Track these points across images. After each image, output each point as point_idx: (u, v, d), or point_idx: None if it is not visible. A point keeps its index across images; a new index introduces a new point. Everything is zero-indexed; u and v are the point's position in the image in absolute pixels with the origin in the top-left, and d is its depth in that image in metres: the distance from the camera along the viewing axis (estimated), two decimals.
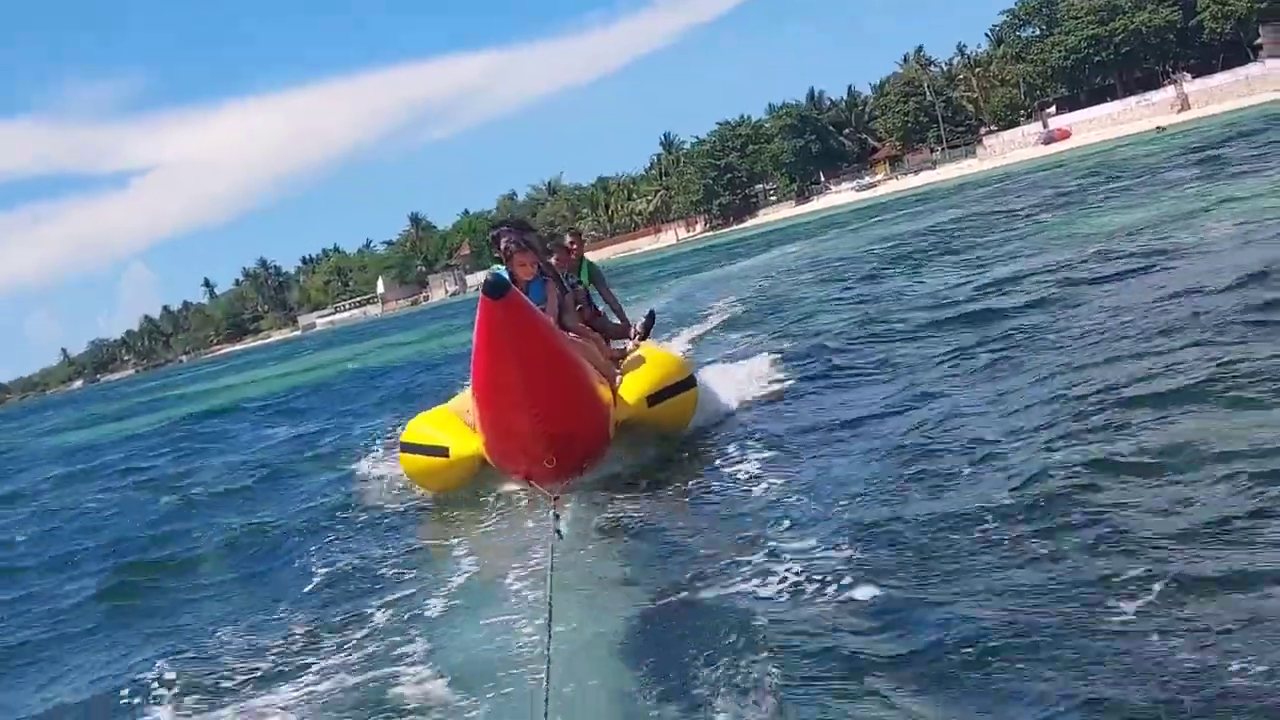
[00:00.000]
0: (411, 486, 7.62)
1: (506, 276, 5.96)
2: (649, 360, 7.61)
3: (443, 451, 7.15)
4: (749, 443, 6.94)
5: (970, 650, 3.42)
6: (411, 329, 52.16)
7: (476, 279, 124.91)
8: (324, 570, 6.21)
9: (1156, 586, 3.53)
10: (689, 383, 7.46)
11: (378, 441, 10.83)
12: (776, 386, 8.74)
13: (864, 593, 4.03)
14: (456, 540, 6.21)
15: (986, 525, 4.42)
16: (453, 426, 7.33)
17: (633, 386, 7.21)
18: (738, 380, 8.88)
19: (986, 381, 7.21)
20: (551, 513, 5.51)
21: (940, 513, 4.69)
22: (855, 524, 4.83)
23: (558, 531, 5.26)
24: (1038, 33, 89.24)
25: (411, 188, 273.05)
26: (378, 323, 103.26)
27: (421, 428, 7.57)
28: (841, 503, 5.25)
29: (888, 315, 11.79)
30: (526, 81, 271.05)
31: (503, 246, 7.32)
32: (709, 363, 10.11)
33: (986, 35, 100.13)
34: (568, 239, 8.84)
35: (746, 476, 6.18)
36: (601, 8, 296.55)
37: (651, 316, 8.94)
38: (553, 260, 8.17)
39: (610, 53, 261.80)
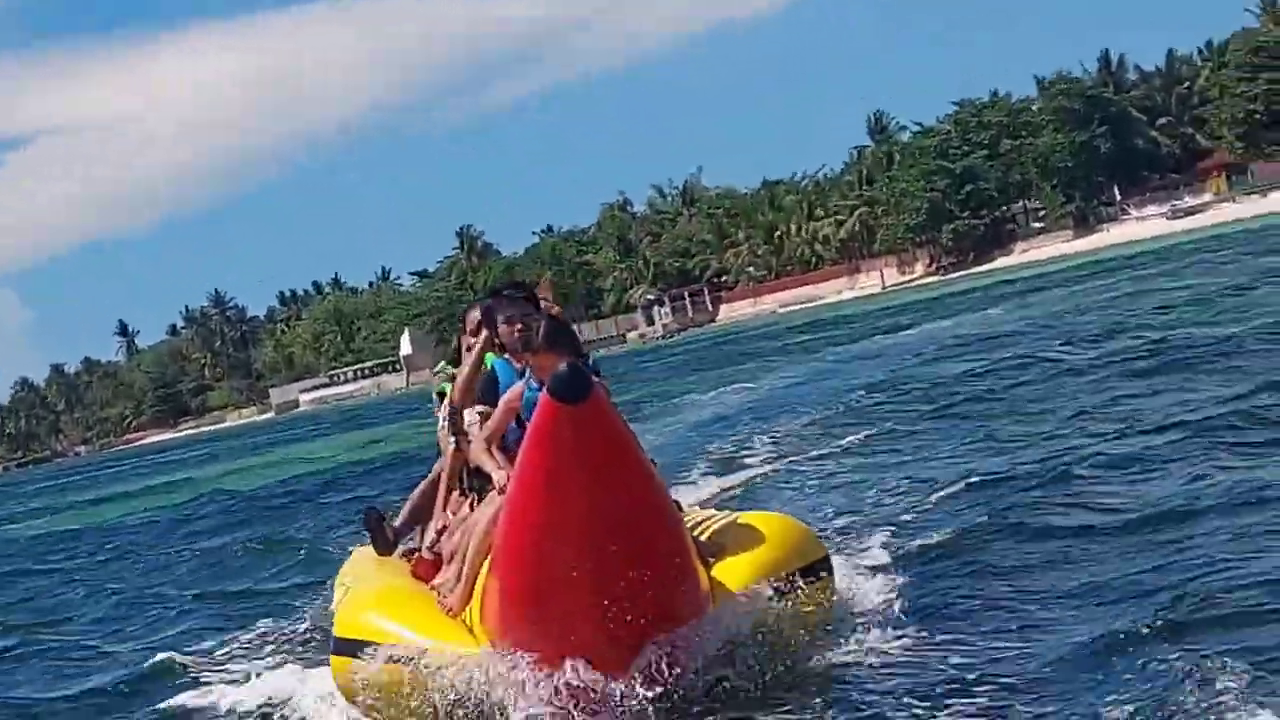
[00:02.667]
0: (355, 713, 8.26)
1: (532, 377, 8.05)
2: (745, 524, 8.80)
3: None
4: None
5: None
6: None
7: None
8: None
9: None
10: (822, 565, 8.63)
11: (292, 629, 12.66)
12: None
13: None
14: None
15: None
16: (421, 609, 8.52)
17: (734, 565, 8.21)
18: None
19: None
20: None
21: None
22: None
23: None
24: None
25: (459, 189, 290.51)
26: (397, 400, 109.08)
27: (368, 617, 8.71)
28: None
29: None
30: (643, 18, 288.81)
31: (517, 330, 8.79)
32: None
33: None
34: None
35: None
36: None
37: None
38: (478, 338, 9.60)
39: None
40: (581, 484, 6.92)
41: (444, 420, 10.36)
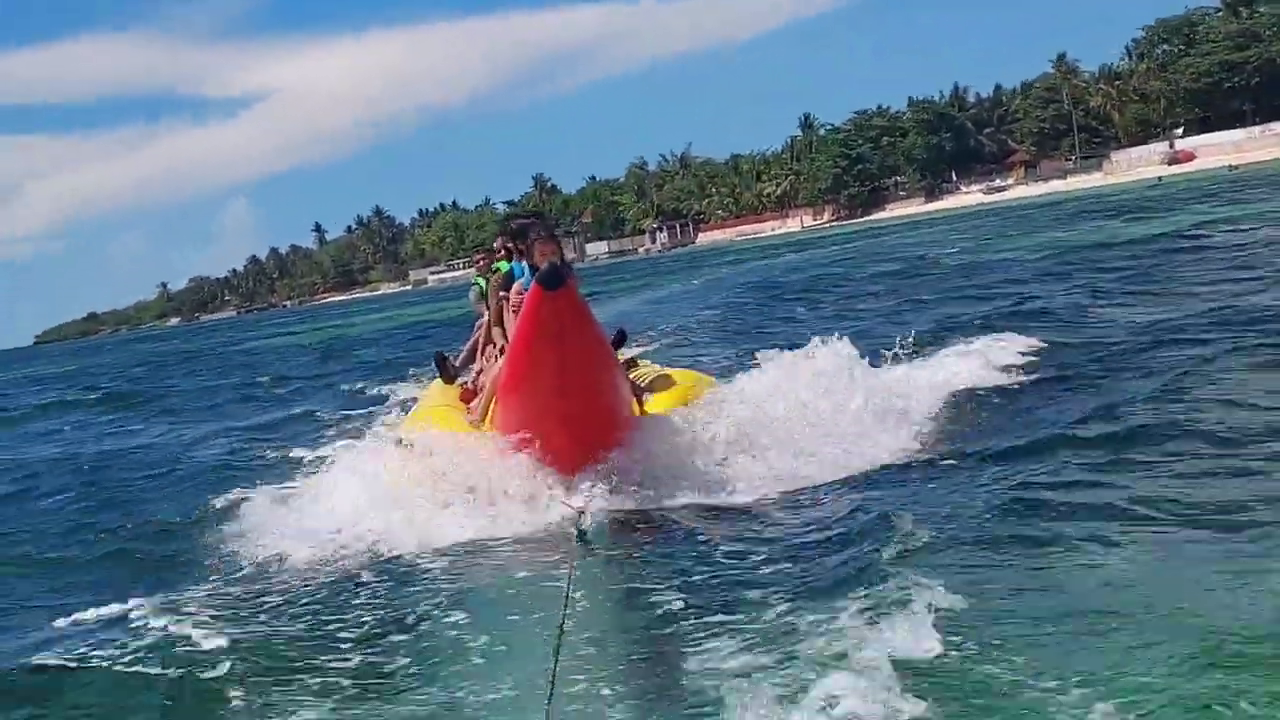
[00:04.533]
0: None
1: (525, 273, 7.93)
2: (667, 375, 8.90)
3: None
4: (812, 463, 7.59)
5: None
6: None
7: (597, 248, 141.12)
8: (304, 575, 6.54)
9: None
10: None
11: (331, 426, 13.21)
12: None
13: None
14: (465, 545, 6.69)
15: None
16: (458, 425, 8.43)
17: (656, 401, 8.24)
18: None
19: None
20: (577, 513, 6.33)
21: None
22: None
23: (581, 534, 5.88)
24: (1175, 51, 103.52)
25: (535, 146, 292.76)
26: None
27: (420, 425, 8.75)
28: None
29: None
30: (663, 39, 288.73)
31: (533, 241, 8.08)
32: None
33: (1127, 48, 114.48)
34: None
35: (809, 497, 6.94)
36: None
37: (621, 335, 8.85)
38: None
39: (761, 13, 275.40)
40: (554, 344, 6.65)
41: (480, 299, 10.71)
